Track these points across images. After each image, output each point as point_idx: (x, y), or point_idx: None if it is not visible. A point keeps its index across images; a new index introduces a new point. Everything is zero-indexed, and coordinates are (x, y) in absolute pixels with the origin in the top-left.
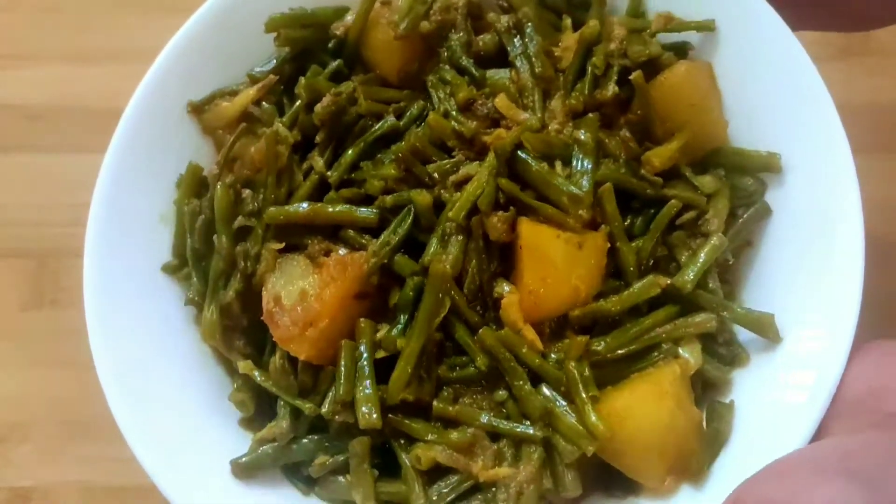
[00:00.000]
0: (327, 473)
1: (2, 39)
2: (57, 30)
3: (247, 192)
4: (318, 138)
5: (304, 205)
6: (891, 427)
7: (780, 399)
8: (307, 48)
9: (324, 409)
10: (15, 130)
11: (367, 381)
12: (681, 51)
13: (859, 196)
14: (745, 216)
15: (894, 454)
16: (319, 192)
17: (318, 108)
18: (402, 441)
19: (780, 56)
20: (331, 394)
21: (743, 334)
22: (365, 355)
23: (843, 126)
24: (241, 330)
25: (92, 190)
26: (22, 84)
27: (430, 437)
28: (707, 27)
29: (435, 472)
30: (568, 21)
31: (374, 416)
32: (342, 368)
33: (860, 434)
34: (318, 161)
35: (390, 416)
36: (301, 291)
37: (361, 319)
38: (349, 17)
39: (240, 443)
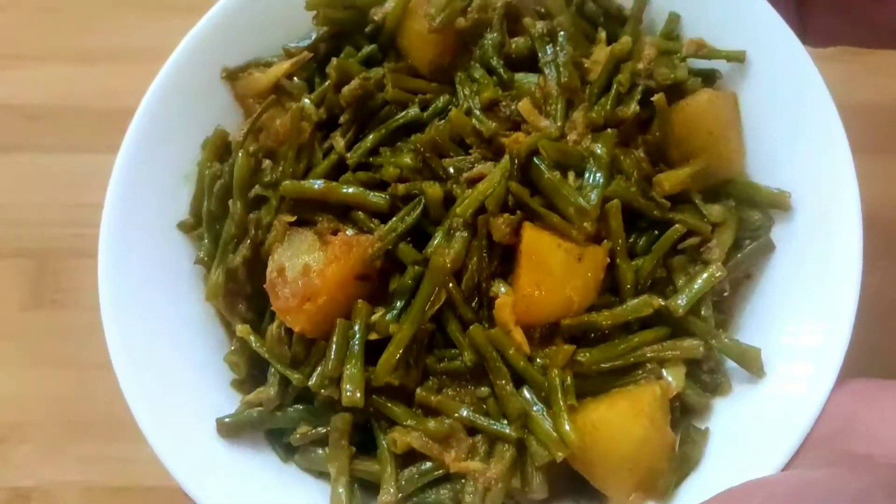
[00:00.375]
0: (307, 444)
1: (2, 39)
2: (57, 30)
3: (267, 163)
4: (342, 119)
5: (320, 182)
6: (850, 467)
7: (755, 431)
8: (344, 30)
9: (311, 382)
10: (15, 130)
11: (356, 361)
12: (709, 78)
13: (861, 240)
14: (747, 249)
15: (846, 493)
16: (336, 172)
17: (345, 89)
18: (382, 423)
19: (805, 97)
20: (320, 368)
21: (730, 362)
22: (357, 335)
23: (844, 126)
24: (244, 295)
25: (93, 190)
26: (22, 84)
27: (408, 422)
28: (737, 58)
29: (409, 457)
30: (602, 34)
31: (358, 395)
32: (334, 345)
33: (819, 470)
34: (339, 141)
35: (374, 397)
36: (305, 265)
37: (359, 300)
38: (389, 4)
39: (228, 403)
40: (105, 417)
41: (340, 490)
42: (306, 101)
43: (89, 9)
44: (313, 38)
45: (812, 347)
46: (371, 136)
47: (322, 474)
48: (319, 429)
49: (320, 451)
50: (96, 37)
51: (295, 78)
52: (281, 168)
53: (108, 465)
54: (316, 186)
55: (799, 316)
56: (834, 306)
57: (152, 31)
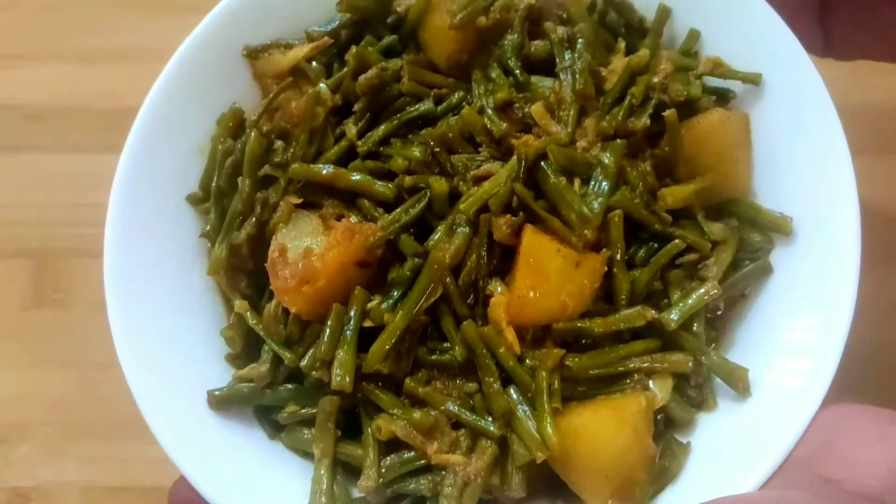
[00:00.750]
0: (294, 423)
1: (2, 39)
2: (57, 30)
3: (279, 143)
4: (356, 107)
5: (329, 168)
6: (822, 491)
7: (736, 448)
8: (367, 18)
9: (303, 363)
10: (15, 130)
11: (348, 346)
12: (723, 97)
13: (858, 269)
14: (745, 270)
15: None
16: (346, 158)
17: (362, 77)
18: (369, 409)
19: (815, 124)
20: (312, 350)
21: (717, 379)
22: (352, 321)
23: (843, 126)
24: (246, 272)
25: (93, 190)
26: (22, 84)
27: (395, 411)
28: (752, 80)
29: (393, 445)
30: (622, 45)
31: (347, 379)
32: (328, 329)
33: (791, 492)
34: (351, 129)
35: (363, 383)
36: (306, 248)
37: (357, 287)
38: None
39: (221, 376)
40: (105, 417)
41: (323, 471)
42: (323, 85)
43: (89, 9)
44: (336, 23)
45: (807, 351)
46: (383, 126)
47: (306, 454)
48: (307, 409)
49: (306, 432)
50: (96, 37)
51: (314, 62)
52: (292, 150)
53: (108, 465)
54: (324, 171)
55: (795, 319)
56: (830, 314)
57: (152, 31)
